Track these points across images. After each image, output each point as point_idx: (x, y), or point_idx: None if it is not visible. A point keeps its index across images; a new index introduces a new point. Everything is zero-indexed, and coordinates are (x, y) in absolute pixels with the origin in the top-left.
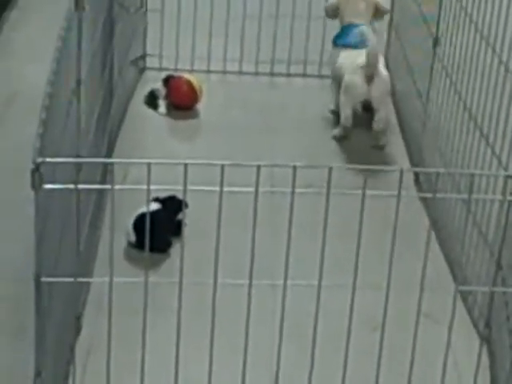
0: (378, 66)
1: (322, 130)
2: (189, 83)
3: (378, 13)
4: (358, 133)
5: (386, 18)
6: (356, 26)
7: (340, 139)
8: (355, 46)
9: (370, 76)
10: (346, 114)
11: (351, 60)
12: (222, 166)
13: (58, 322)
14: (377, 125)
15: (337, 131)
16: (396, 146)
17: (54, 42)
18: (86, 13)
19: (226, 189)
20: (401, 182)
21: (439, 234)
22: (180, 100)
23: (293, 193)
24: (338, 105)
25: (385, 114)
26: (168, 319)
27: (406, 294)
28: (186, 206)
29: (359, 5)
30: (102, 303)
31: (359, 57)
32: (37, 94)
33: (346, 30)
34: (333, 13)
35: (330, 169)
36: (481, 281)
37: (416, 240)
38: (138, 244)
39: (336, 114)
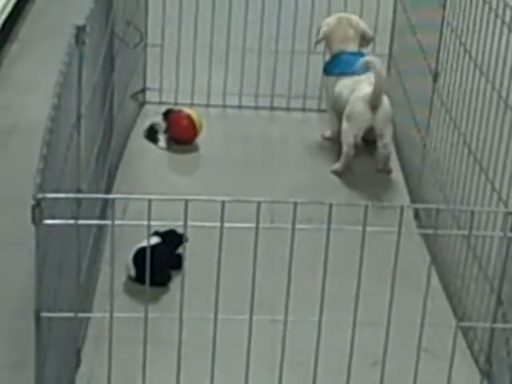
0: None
1: (323, 163)
2: (189, 117)
3: (364, 40)
4: (358, 165)
5: (385, 49)
6: (348, 53)
7: (340, 174)
8: (352, 73)
9: (375, 103)
10: (348, 142)
11: (351, 87)
12: (223, 203)
13: (57, 357)
14: (383, 150)
15: (337, 166)
16: (395, 179)
17: (54, 74)
18: (86, 47)
19: (226, 225)
20: (401, 218)
21: (439, 268)
22: (180, 134)
23: (293, 229)
24: (334, 132)
25: (389, 139)
26: (168, 353)
27: (404, 329)
28: (186, 240)
29: (348, 32)
30: (102, 337)
31: (358, 83)
32: (36, 126)
33: (338, 57)
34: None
35: (331, 205)
36: (481, 316)
37: (415, 274)
38: (138, 278)
39: (330, 139)
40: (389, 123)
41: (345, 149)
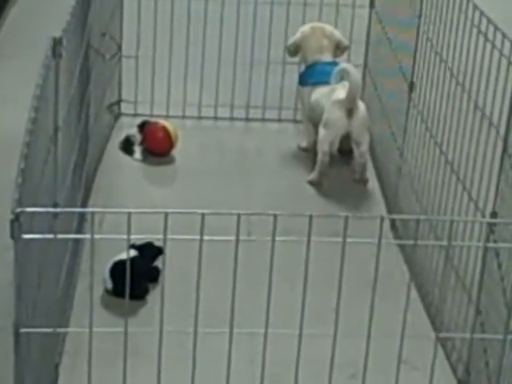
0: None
1: (299, 173)
2: (164, 129)
3: (338, 49)
4: (334, 175)
5: (360, 59)
6: (323, 63)
7: (316, 184)
8: (327, 83)
9: (350, 109)
10: (324, 149)
11: (327, 96)
12: (203, 215)
13: (35, 371)
14: (359, 159)
15: (313, 176)
16: (372, 189)
17: (30, 87)
18: (62, 60)
19: (206, 238)
20: (381, 229)
21: (417, 279)
22: (156, 146)
23: (273, 241)
24: (310, 143)
25: (366, 147)
26: (148, 367)
27: (383, 340)
28: (163, 253)
29: (322, 42)
30: (80, 351)
31: (335, 92)
32: (13, 139)
33: (312, 67)
34: (294, 50)
35: (311, 217)
36: (459, 326)
37: (393, 285)
38: (115, 291)
39: (306, 150)
40: (365, 130)
41: (319, 156)
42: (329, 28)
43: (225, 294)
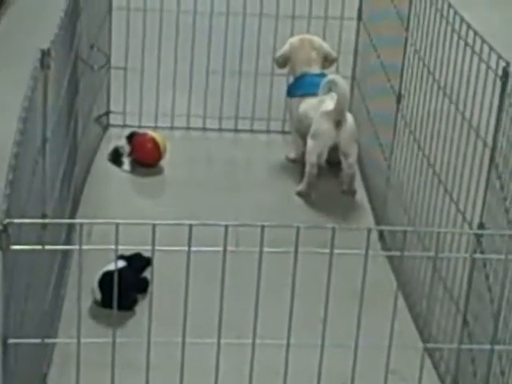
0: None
1: (287, 185)
2: (153, 140)
3: (327, 61)
4: (322, 186)
5: (348, 71)
6: (311, 75)
7: (304, 195)
8: (315, 94)
9: (338, 121)
10: (312, 161)
11: (315, 107)
12: (190, 226)
13: (23, 382)
14: (348, 170)
15: (301, 187)
16: (360, 200)
17: (18, 98)
18: (51, 71)
19: (194, 248)
20: (368, 241)
21: (404, 289)
22: (144, 157)
23: (261, 252)
24: (298, 154)
25: (355, 158)
26: (136, 377)
27: (371, 350)
28: (150, 263)
29: (310, 54)
30: (68, 362)
31: (323, 103)
32: (1, 149)
33: (301, 79)
34: (283, 62)
35: (298, 228)
36: (447, 336)
37: (381, 296)
38: (104, 302)
39: (295, 161)
40: (353, 142)
41: (308, 168)
42: (317, 40)
43: (213, 304)
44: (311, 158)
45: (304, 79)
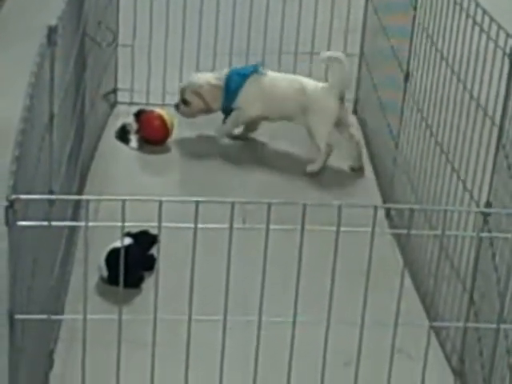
0: None
1: (295, 163)
2: (160, 118)
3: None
4: (329, 165)
5: (356, 49)
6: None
7: (314, 175)
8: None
9: (343, 95)
10: (328, 140)
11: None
12: (197, 203)
13: (30, 358)
14: (354, 140)
15: (315, 167)
16: (367, 179)
17: (25, 75)
18: (58, 48)
19: (200, 225)
20: (375, 218)
21: (411, 268)
22: (151, 135)
23: (267, 229)
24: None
25: (355, 128)
26: (142, 354)
27: (377, 329)
28: (158, 241)
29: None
30: (74, 339)
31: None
32: (8, 127)
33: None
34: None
35: (305, 206)
36: (453, 315)
37: (388, 274)
38: (110, 279)
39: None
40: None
41: (324, 148)
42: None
43: (219, 282)
44: (327, 138)
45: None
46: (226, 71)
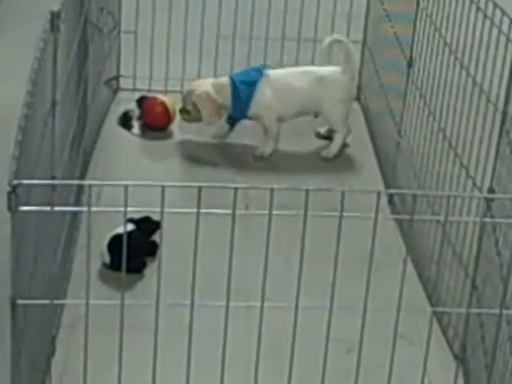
0: None
1: (298, 148)
2: (163, 104)
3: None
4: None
5: (359, 36)
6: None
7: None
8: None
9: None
10: (347, 124)
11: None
12: (199, 188)
13: (32, 344)
14: None
15: (331, 154)
16: (369, 165)
17: (27, 61)
18: (60, 34)
19: (203, 210)
20: (378, 204)
21: (413, 254)
22: (154, 121)
23: (270, 215)
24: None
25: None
26: (144, 340)
27: (380, 315)
28: (159, 227)
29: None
30: (76, 325)
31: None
32: (10, 113)
33: (236, 85)
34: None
35: (307, 191)
36: (455, 301)
37: (390, 260)
38: (113, 265)
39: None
40: None
41: (345, 131)
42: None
43: (221, 267)
44: (345, 121)
45: (236, 84)
46: (225, 80)
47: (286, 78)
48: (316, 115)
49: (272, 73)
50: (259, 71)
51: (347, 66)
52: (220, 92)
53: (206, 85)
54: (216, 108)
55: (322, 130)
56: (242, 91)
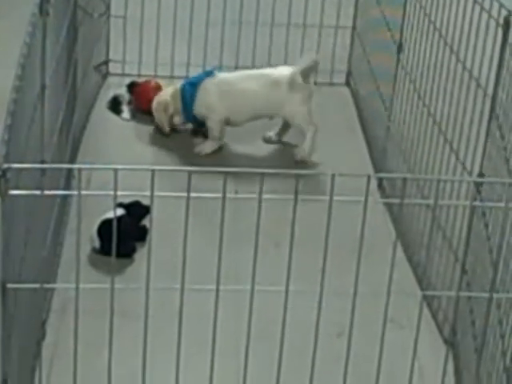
0: None
1: (287, 135)
2: (157, 89)
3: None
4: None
5: (348, 22)
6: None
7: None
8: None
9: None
10: (314, 122)
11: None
12: (189, 173)
13: (22, 328)
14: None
15: (306, 153)
16: (359, 150)
17: (16, 46)
18: (49, 18)
19: (193, 194)
20: (368, 188)
21: (403, 238)
22: (147, 105)
23: (260, 199)
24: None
25: None
26: (134, 324)
27: (370, 299)
28: (149, 212)
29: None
30: (66, 309)
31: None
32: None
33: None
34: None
35: (298, 176)
36: (445, 285)
37: (380, 244)
38: (102, 249)
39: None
40: None
41: (313, 129)
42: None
43: (211, 252)
44: (309, 119)
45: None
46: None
47: (236, 81)
48: (271, 117)
49: (221, 75)
50: (208, 73)
51: (305, 64)
52: (175, 97)
53: (166, 93)
54: (167, 118)
55: (272, 134)
56: (186, 91)
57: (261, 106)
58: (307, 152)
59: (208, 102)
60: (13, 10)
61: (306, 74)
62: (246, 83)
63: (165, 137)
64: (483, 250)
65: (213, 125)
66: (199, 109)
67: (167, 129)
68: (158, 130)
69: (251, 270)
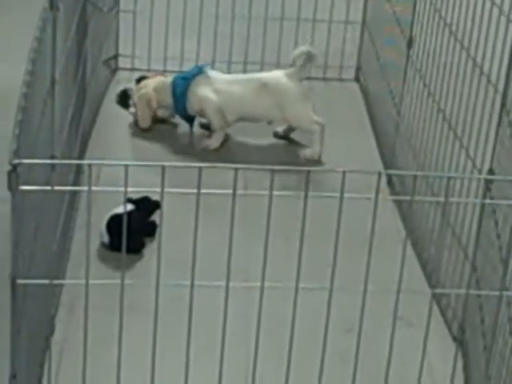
0: None
1: (296, 131)
2: None
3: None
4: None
5: (358, 16)
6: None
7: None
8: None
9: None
10: (317, 120)
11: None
12: (200, 169)
13: (32, 324)
14: None
15: (315, 152)
16: (369, 147)
17: (26, 40)
18: (60, 13)
19: (203, 191)
20: (378, 184)
21: (413, 235)
22: None
23: (271, 196)
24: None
25: None
26: (144, 320)
27: (379, 296)
28: (158, 207)
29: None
30: (75, 304)
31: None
32: (9, 92)
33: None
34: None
35: (308, 172)
36: (454, 283)
37: (389, 241)
38: (111, 245)
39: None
40: None
41: (318, 128)
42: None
43: (221, 248)
44: (313, 118)
45: (176, 81)
46: (169, 79)
47: (229, 82)
48: (269, 122)
49: (214, 72)
50: (199, 69)
51: (302, 66)
52: (162, 92)
53: (147, 87)
54: (150, 114)
55: (280, 130)
56: (179, 86)
57: (251, 109)
58: (316, 154)
59: (203, 95)
60: (23, 5)
61: (300, 71)
62: (236, 85)
63: (144, 131)
64: (493, 247)
65: (211, 115)
66: (193, 105)
67: (148, 124)
68: (136, 123)
69: (261, 266)
